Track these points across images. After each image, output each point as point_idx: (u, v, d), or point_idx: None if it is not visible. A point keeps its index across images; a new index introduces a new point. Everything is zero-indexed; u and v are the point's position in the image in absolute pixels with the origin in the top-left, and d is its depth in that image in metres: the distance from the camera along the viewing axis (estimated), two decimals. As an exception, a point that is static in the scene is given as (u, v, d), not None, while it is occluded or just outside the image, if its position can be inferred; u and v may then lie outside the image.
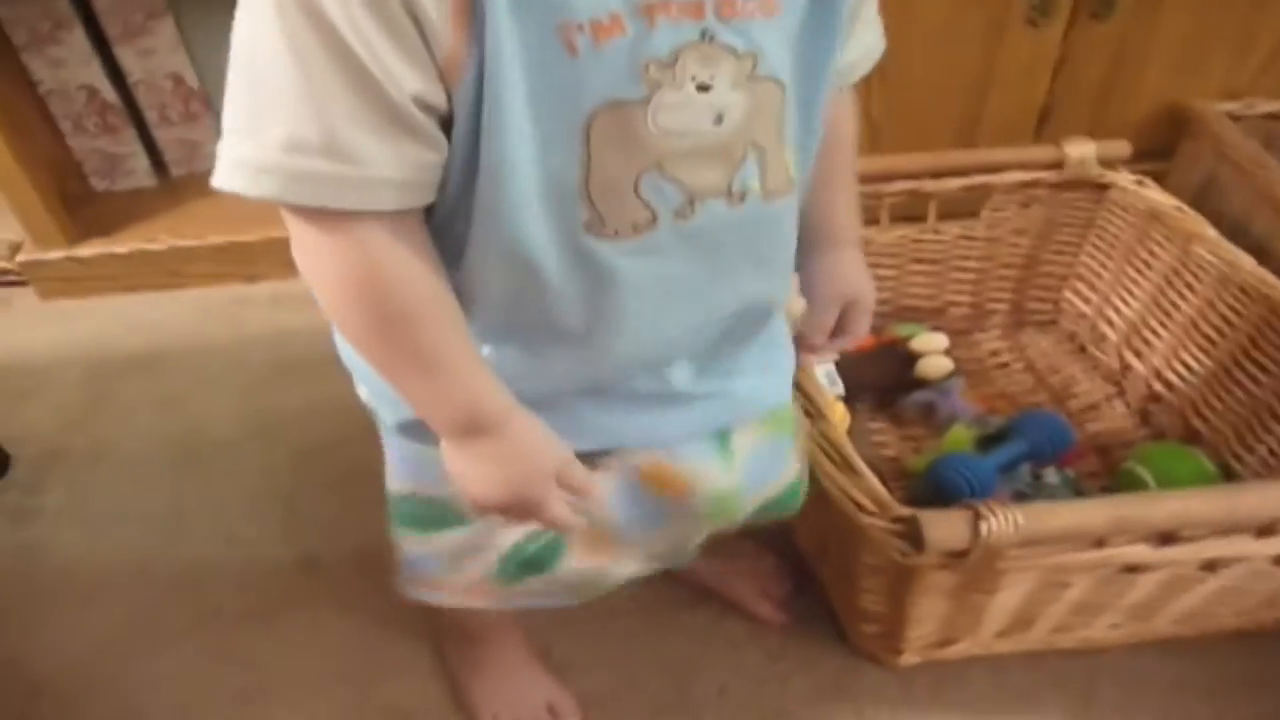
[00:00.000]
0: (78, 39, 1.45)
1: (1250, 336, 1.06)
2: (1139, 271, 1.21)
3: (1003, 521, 0.71)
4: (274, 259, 1.48)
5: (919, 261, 1.29)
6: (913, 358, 1.22)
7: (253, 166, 0.46)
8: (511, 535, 0.73)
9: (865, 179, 1.10)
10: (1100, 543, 0.76)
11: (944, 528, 0.72)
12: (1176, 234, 1.14)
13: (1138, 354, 1.23)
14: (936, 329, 1.28)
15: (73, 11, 1.42)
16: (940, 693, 0.96)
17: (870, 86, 1.37)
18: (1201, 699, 0.95)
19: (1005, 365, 1.31)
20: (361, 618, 1.03)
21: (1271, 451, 1.04)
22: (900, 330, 1.27)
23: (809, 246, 0.73)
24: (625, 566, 0.78)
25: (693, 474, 0.70)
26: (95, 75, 1.48)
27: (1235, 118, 1.39)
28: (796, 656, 0.99)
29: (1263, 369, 1.05)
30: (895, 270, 1.28)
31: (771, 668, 0.98)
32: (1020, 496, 1.04)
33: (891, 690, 0.96)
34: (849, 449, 0.81)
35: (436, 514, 0.73)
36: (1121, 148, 1.20)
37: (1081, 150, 1.19)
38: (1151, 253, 1.19)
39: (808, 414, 0.84)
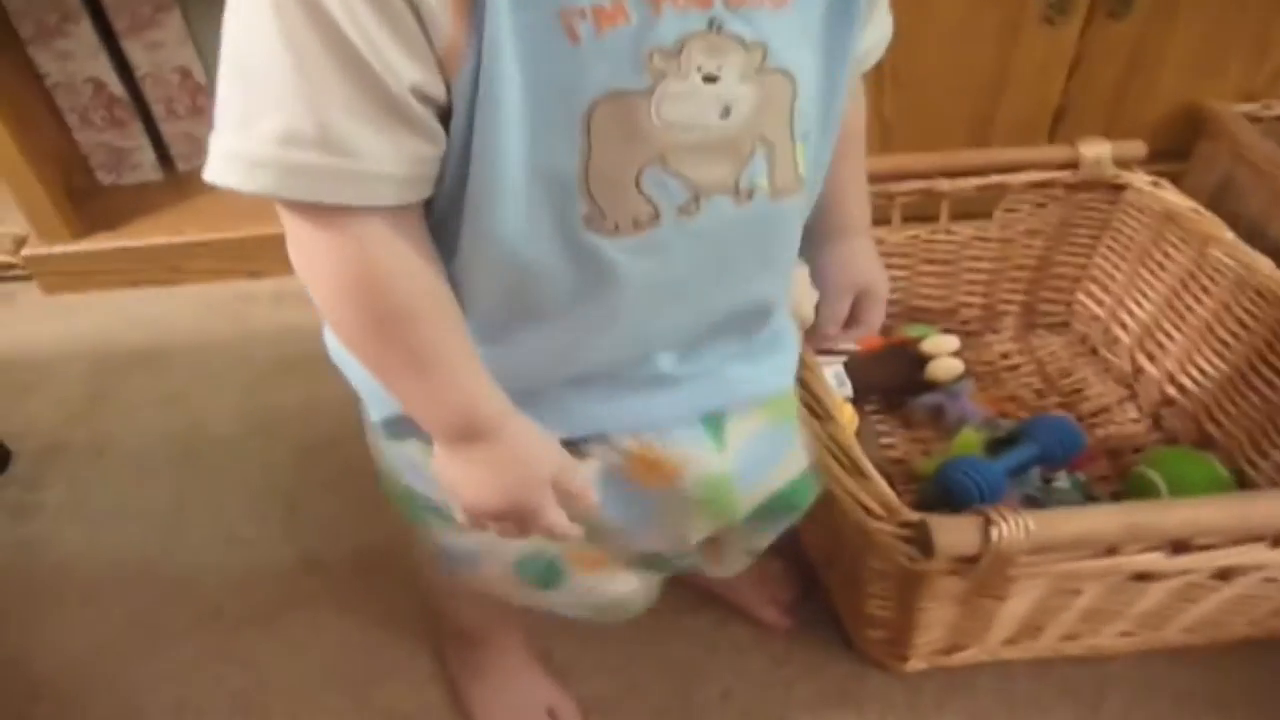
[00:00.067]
0: (85, 32, 1.44)
1: (1266, 340, 1.05)
2: (1153, 273, 1.20)
3: (1014, 527, 0.69)
4: (278, 255, 1.44)
5: (930, 262, 1.28)
6: (923, 359, 1.20)
7: (246, 160, 0.45)
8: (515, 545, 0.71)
9: (877, 178, 1.10)
10: (1112, 550, 0.74)
11: (954, 533, 0.71)
12: (1192, 236, 1.13)
13: (1151, 357, 1.21)
14: (947, 330, 1.27)
15: (80, 4, 1.42)
16: (947, 700, 0.95)
17: (883, 85, 1.36)
18: (1211, 708, 0.94)
19: (1016, 368, 1.30)
20: (361, 618, 1.02)
21: (1287, 458, 1.02)
22: (910, 331, 1.26)
23: (821, 236, 0.72)
24: (625, 577, 0.77)
25: (682, 459, 0.67)
26: (102, 68, 1.48)
27: (1253, 119, 1.38)
28: (801, 662, 0.98)
29: (1279, 373, 1.04)
30: (906, 271, 1.27)
31: (776, 673, 0.97)
32: (1030, 500, 1.03)
33: (897, 697, 0.95)
34: (857, 452, 0.80)
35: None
36: (1137, 148, 1.18)
37: (1097, 150, 1.17)
38: (1166, 254, 1.17)
39: (815, 415, 0.83)
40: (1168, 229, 1.16)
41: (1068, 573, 0.76)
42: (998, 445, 1.09)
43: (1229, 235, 1.10)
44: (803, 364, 0.77)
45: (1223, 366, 1.11)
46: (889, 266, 0.81)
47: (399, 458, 0.68)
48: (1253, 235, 1.12)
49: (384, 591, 1.05)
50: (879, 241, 1.17)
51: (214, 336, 1.43)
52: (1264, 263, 1.05)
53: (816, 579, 1.01)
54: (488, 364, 0.56)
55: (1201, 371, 1.13)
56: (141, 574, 1.08)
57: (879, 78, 1.34)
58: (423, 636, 1.00)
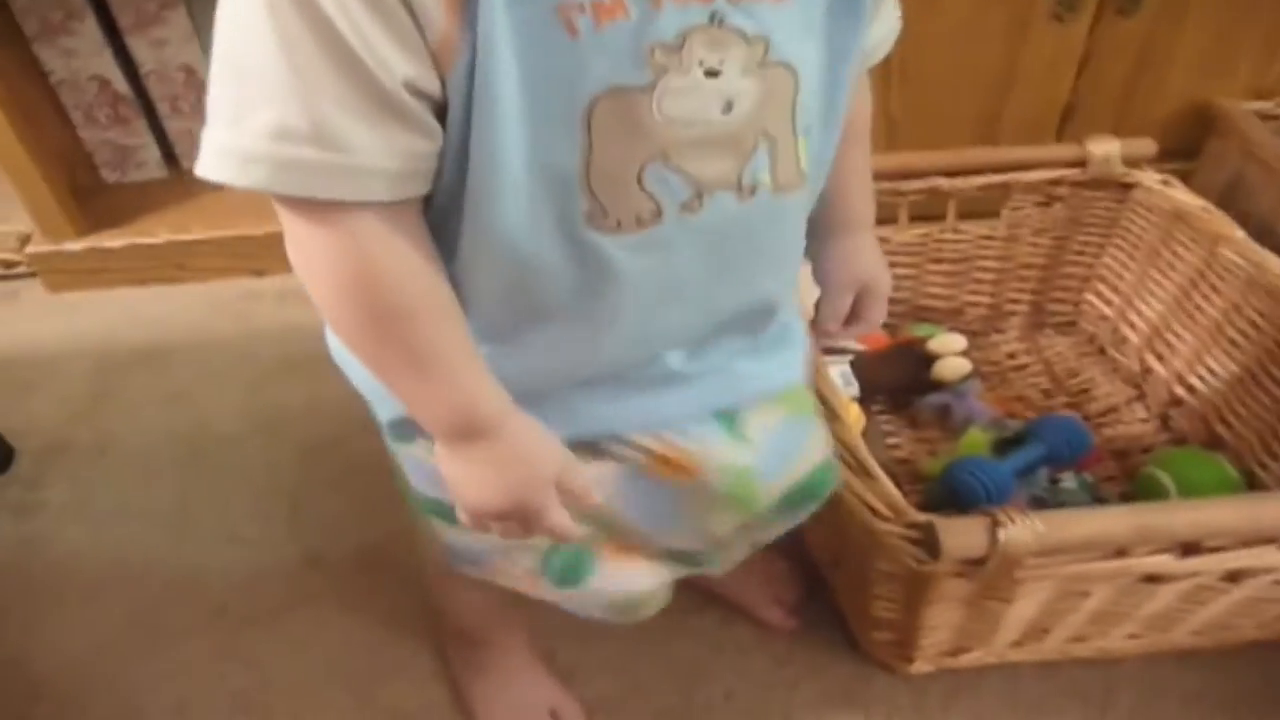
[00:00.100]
0: (90, 29, 1.44)
1: (1277, 340, 1.04)
2: (1163, 273, 1.19)
3: (1022, 529, 0.69)
4: (282, 254, 1.41)
5: (937, 261, 1.27)
6: (929, 359, 1.20)
7: (239, 155, 0.45)
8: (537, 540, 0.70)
9: (884, 176, 1.10)
10: (1121, 552, 0.74)
11: (961, 535, 0.70)
12: (1202, 235, 1.12)
13: (1160, 357, 1.20)
14: (954, 330, 1.26)
15: (85, 1, 1.41)
16: (953, 702, 0.94)
17: (890, 83, 1.35)
18: (1220, 711, 0.93)
19: (1023, 367, 1.29)
20: (364, 617, 1.02)
21: (1298, 459, 1.02)
22: (917, 331, 1.25)
23: (823, 231, 0.72)
24: (654, 572, 0.76)
25: (701, 452, 0.67)
26: (107, 66, 1.47)
27: (1264, 117, 1.37)
28: (805, 662, 0.97)
29: (1290, 374, 1.03)
30: (913, 270, 1.26)
31: (779, 673, 0.97)
32: (1037, 501, 1.02)
33: (903, 699, 0.94)
34: (864, 452, 0.79)
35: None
36: (1146, 146, 1.17)
37: (1105, 149, 1.16)
38: (1176, 254, 1.16)
39: (821, 415, 0.82)
40: (1177, 228, 1.15)
41: (1076, 575, 0.76)
42: (1005, 445, 1.09)
43: (1239, 234, 1.09)
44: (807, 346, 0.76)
45: (1232, 366, 1.10)
46: (895, 266, 0.81)
47: (407, 459, 0.68)
48: (1263, 234, 1.11)
49: (387, 590, 1.04)
50: (885, 240, 1.17)
51: (218, 335, 1.42)
52: (1274, 262, 1.05)
53: (821, 579, 1.00)
54: (492, 364, 0.55)
55: (1211, 371, 1.13)
56: (144, 573, 1.08)
57: (886, 74, 1.34)
58: (426, 635, 0.99)
